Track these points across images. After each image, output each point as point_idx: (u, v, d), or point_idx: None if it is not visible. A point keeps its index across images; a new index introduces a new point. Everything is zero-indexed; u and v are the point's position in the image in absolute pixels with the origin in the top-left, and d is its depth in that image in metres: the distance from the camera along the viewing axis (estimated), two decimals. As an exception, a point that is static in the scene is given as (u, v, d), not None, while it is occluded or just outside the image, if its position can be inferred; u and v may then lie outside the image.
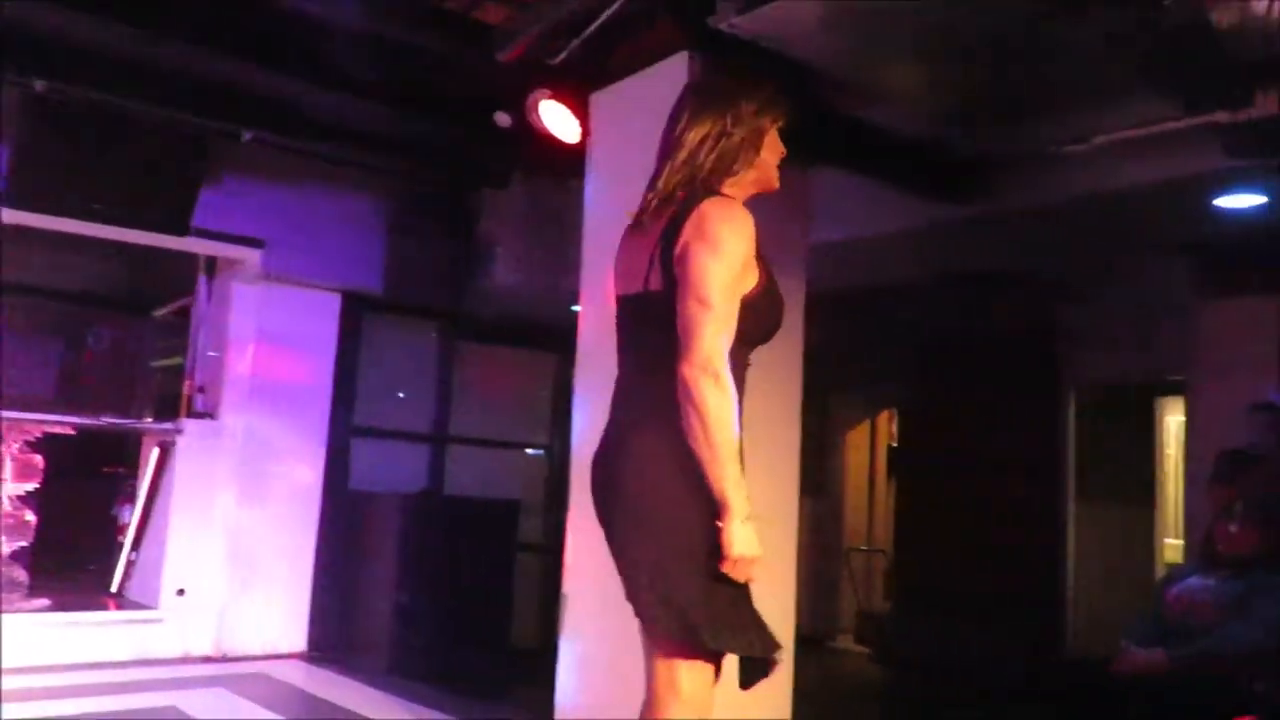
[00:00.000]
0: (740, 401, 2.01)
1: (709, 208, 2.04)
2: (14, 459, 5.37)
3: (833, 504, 8.32)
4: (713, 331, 1.92)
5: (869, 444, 8.79)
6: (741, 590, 1.95)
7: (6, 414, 5.42)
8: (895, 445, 8.45)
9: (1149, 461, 7.09)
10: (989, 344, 7.05)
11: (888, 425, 8.78)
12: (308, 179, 6.00)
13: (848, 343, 7.59)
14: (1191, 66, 2.93)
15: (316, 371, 6.15)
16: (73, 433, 5.71)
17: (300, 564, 5.96)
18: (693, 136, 2.17)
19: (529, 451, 7.35)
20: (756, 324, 2.07)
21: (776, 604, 3.52)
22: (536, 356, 7.31)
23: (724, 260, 1.97)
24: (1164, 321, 5.92)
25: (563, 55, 3.97)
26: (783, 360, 3.73)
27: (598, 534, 2.11)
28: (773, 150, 2.25)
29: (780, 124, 2.26)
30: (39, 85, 4.58)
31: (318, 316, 6.17)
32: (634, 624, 2.04)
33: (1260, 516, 3.43)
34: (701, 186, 2.12)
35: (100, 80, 4.68)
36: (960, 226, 4.41)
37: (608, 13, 3.72)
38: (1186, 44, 2.76)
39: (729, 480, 1.87)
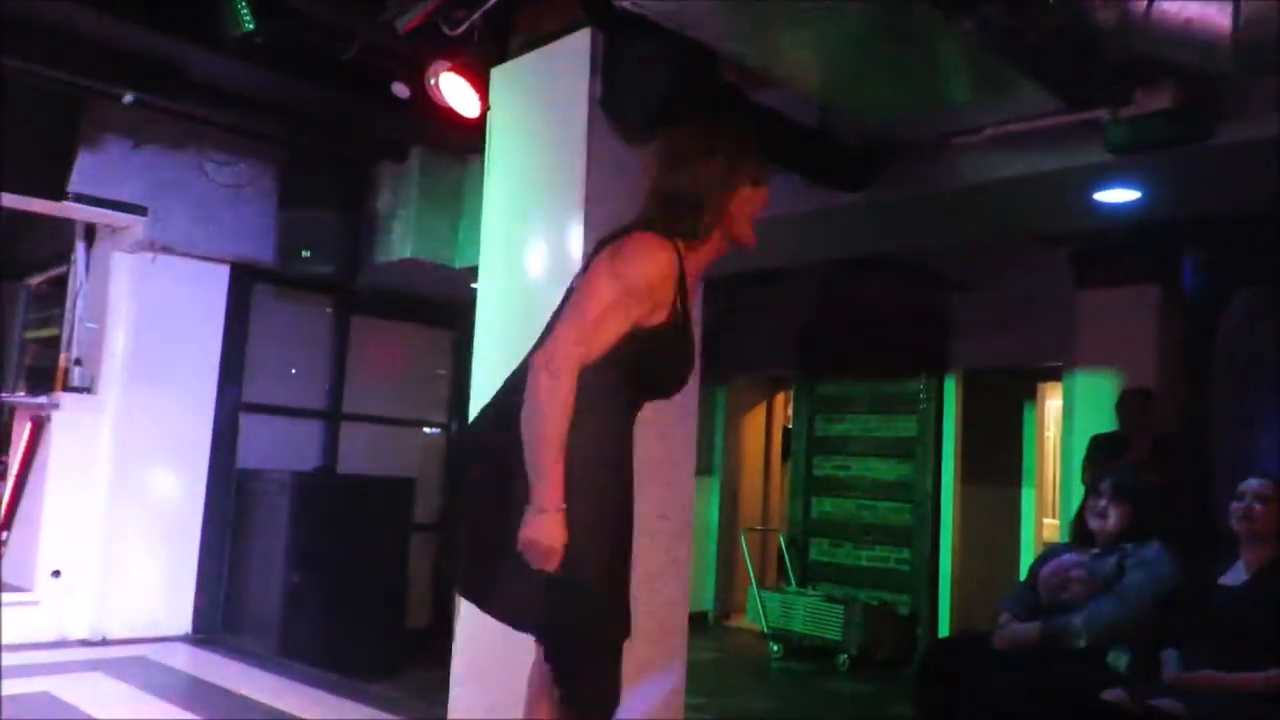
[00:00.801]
0: (629, 446, 2.17)
1: (633, 236, 2.11)
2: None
3: (729, 485, 8.44)
4: (570, 335, 2.00)
5: (764, 426, 8.93)
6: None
7: None
8: (789, 427, 8.60)
9: (1030, 444, 7.39)
10: (878, 328, 7.24)
11: (783, 408, 8.94)
12: (196, 145, 5.78)
13: (744, 326, 7.70)
14: (1075, 63, 3.04)
15: (203, 345, 5.93)
16: None
17: (184, 544, 5.76)
18: (656, 187, 2.21)
19: (426, 430, 7.25)
20: (646, 359, 2.08)
21: (673, 569, 3.58)
22: (433, 333, 7.21)
23: (618, 280, 2.02)
24: (1044, 309, 6.17)
25: (463, 27, 3.90)
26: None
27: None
28: (744, 206, 2.23)
29: (759, 183, 2.25)
30: (-100, 36, 4.31)
31: (205, 288, 5.95)
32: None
33: (1127, 496, 3.60)
34: (641, 224, 2.17)
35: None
36: (852, 212, 4.49)
37: (510, -14, 3.68)
38: (1070, 41, 2.86)
39: (536, 471, 1.93)
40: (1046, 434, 7.60)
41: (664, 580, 3.51)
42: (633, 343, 2.03)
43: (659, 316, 2.05)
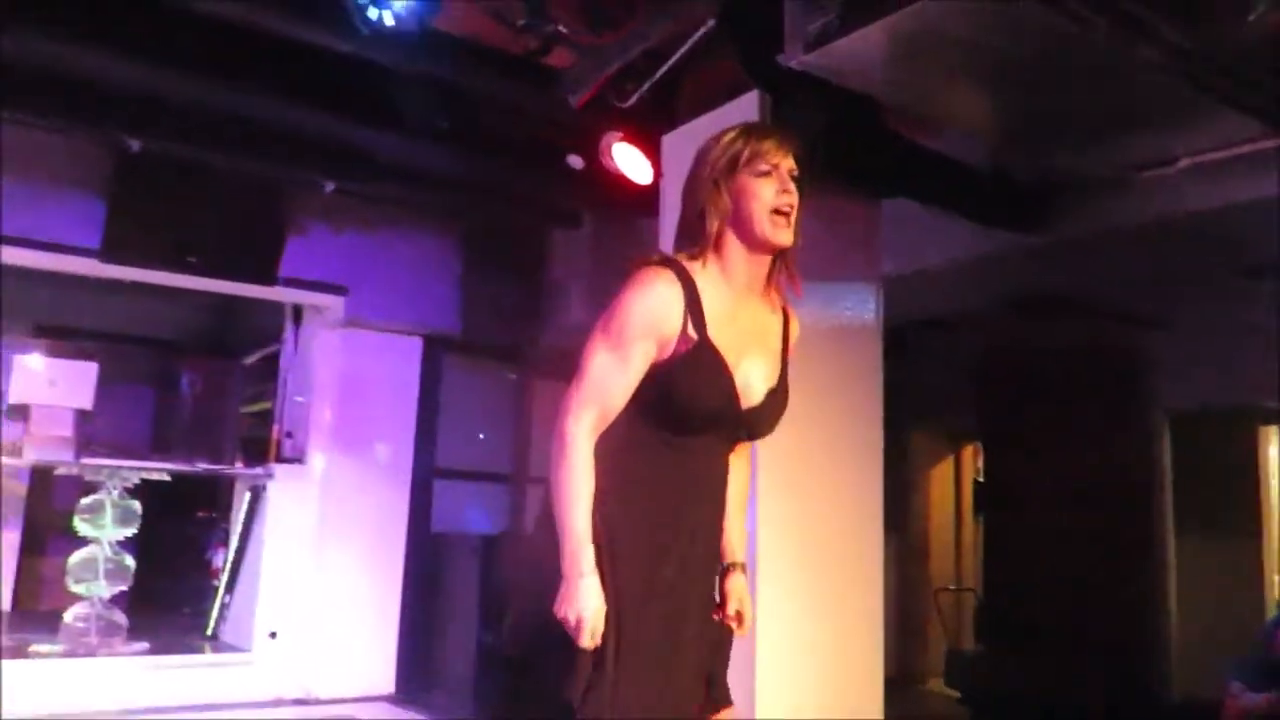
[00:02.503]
0: (663, 486, 1.95)
1: (630, 277, 1.95)
2: (113, 505, 5.55)
3: (918, 542, 8.15)
4: (576, 400, 1.91)
5: (953, 479, 8.60)
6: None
7: (105, 461, 5.62)
8: (981, 480, 8.25)
9: (1252, 492, 6.81)
10: (1071, 372, 6.88)
11: (972, 460, 8.59)
12: (387, 225, 6.16)
13: (927, 376, 7.48)
14: (1275, 83, 2.85)
15: (399, 414, 6.26)
16: (168, 478, 5.89)
17: (386, 606, 6.03)
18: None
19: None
20: (671, 395, 1.91)
21: (864, 644, 3.47)
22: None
23: (611, 331, 1.90)
24: (1258, 345, 5.71)
25: (633, 99, 4.03)
26: (862, 396, 3.71)
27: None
28: (750, 201, 1.97)
29: (765, 174, 1.97)
30: (133, 144, 4.81)
31: (400, 360, 6.30)
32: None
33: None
34: (639, 260, 1.99)
35: (189, 136, 4.88)
36: (1030, 252, 4.33)
37: (676, 55, 3.78)
38: (1266, 60, 2.69)
39: (562, 539, 1.84)
40: (1270, 481, 6.98)
41: (855, 641, 3.41)
42: (652, 382, 1.91)
43: (671, 347, 1.91)
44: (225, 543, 6.25)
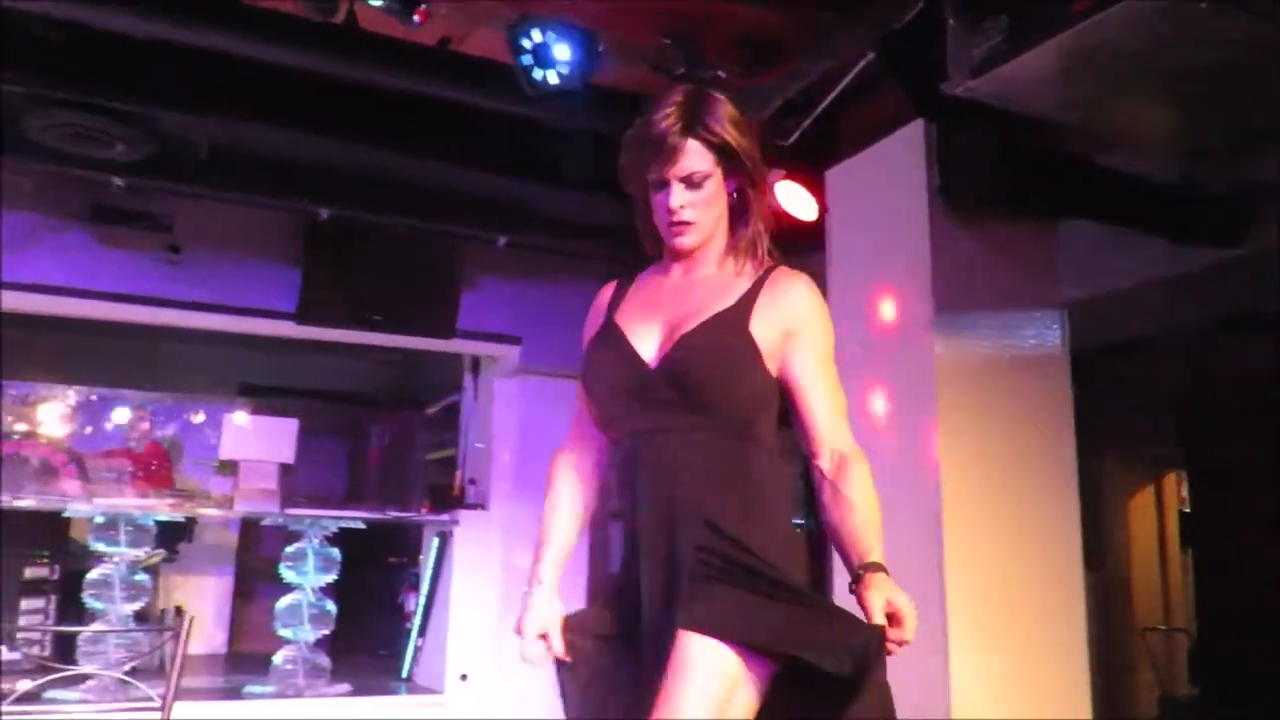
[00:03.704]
0: (621, 480, 1.93)
1: None
2: (315, 553, 5.87)
3: (1118, 578, 7.66)
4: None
5: (1155, 511, 8.06)
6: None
7: (306, 511, 5.97)
8: (1187, 511, 7.70)
9: None
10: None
11: (1175, 489, 8.03)
12: (557, 274, 6.33)
13: (1121, 402, 7.06)
14: None
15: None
16: (362, 526, 6.20)
17: (568, 647, 6.10)
18: None
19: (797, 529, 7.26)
20: (582, 380, 2.02)
21: (1068, 688, 3.28)
22: (783, 433, 7.25)
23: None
24: None
25: (794, 136, 4.02)
26: (1052, 426, 3.54)
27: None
28: (657, 211, 1.89)
29: (654, 179, 1.86)
30: (322, 213, 5.14)
31: (573, 404, 6.39)
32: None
33: None
34: None
35: (372, 203, 5.20)
36: (1235, 267, 4.04)
37: (836, 90, 3.75)
38: None
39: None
40: None
41: (1057, 683, 3.23)
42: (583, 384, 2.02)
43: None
44: (416, 587, 6.50)
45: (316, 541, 5.90)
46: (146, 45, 3.76)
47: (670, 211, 1.85)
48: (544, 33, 3.80)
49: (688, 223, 1.86)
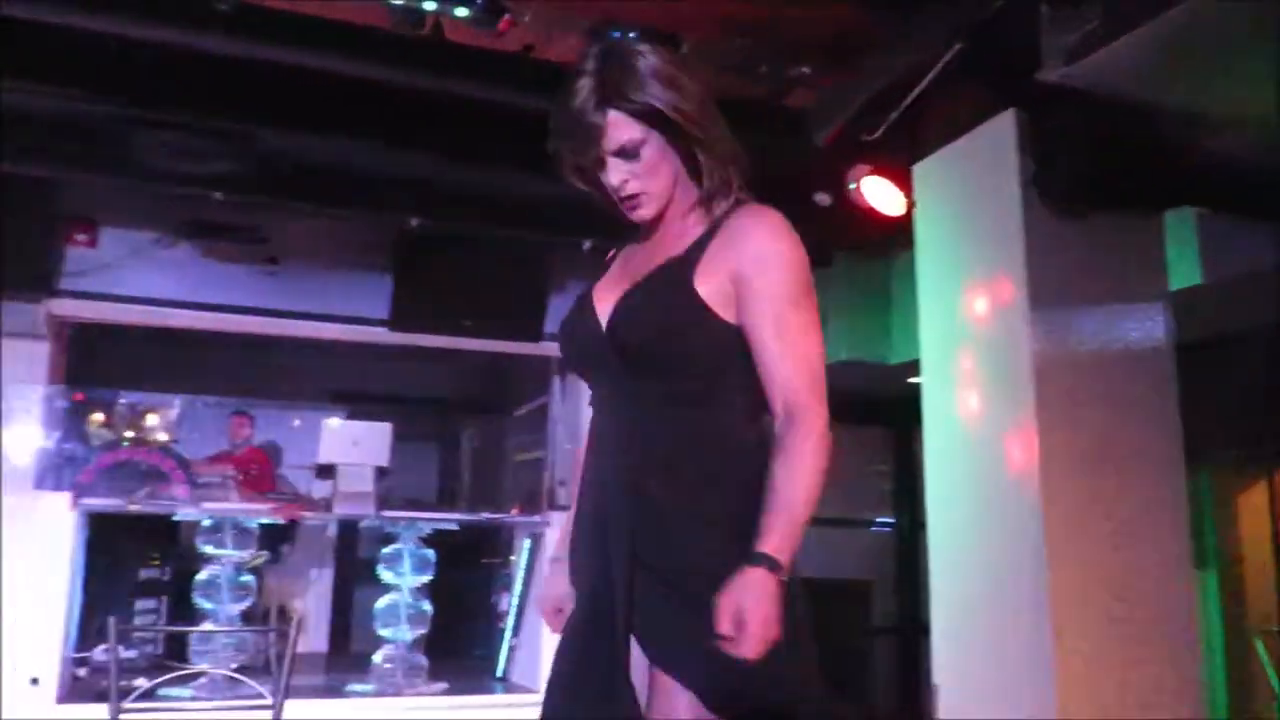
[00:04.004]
0: (590, 447, 1.80)
1: None
2: (411, 555, 6.00)
3: (1230, 579, 7.36)
4: None
5: (1269, 509, 7.72)
6: None
7: (401, 514, 6.10)
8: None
9: None
10: None
11: (1289, 483, 7.68)
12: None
13: (1231, 394, 6.78)
14: None
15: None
16: (455, 528, 6.30)
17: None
18: None
19: (874, 529, 7.17)
20: None
21: (1181, 690, 3.16)
22: (870, 431, 7.16)
23: None
24: None
25: (880, 131, 3.96)
26: (1157, 422, 3.42)
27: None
28: (606, 189, 1.80)
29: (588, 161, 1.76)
30: (412, 222, 5.24)
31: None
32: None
33: None
34: None
35: (460, 212, 5.28)
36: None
37: (924, 82, 3.68)
38: None
39: None
40: None
41: (1171, 689, 3.12)
42: None
43: None
44: (509, 587, 6.59)
45: (412, 543, 6.02)
46: (242, 64, 3.88)
47: (615, 190, 1.74)
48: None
49: (636, 195, 1.73)
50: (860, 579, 6.39)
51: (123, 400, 6.21)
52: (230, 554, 5.61)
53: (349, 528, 7.51)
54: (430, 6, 3.24)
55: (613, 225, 5.72)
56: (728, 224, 1.68)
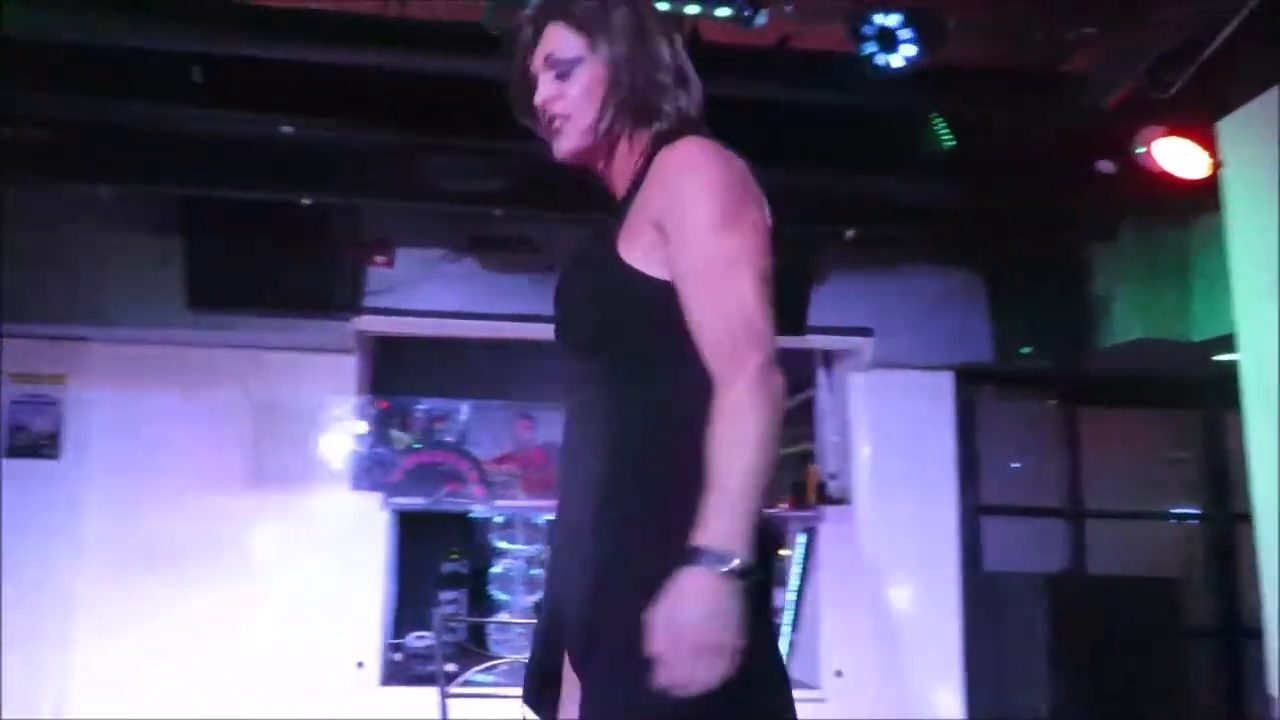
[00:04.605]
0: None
1: None
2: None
3: None
4: None
5: None
6: None
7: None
8: None
9: None
10: None
11: None
12: (908, 263, 6.15)
13: None
14: None
15: (937, 451, 6.18)
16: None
17: (946, 647, 5.93)
18: None
19: (1177, 522, 6.59)
20: None
21: None
22: (1172, 415, 6.59)
23: None
24: None
25: (1175, 88, 3.63)
26: None
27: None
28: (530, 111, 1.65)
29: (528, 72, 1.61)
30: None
31: (932, 396, 6.23)
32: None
33: None
34: None
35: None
36: None
37: (1226, 30, 3.33)
38: None
39: None
40: None
41: None
42: None
43: None
44: (785, 583, 6.58)
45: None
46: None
47: (540, 113, 1.58)
48: (886, 16, 3.71)
49: (558, 117, 1.56)
50: (1163, 577, 5.88)
51: (421, 408, 6.74)
52: (521, 548, 5.96)
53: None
54: (693, 10, 3.28)
55: (877, 215, 5.60)
56: (650, 168, 1.50)
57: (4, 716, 4.94)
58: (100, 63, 3.99)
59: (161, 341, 5.31)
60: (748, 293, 1.40)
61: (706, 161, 1.43)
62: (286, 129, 4.03)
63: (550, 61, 1.55)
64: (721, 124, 4.60)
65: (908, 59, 3.72)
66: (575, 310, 1.50)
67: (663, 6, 3.25)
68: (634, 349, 1.43)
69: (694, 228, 1.39)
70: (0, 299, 4.83)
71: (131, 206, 5.13)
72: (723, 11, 3.31)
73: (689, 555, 1.24)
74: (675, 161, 1.44)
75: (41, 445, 5.41)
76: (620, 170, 1.59)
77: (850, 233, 5.56)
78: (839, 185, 5.29)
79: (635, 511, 1.37)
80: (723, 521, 1.26)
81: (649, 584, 1.25)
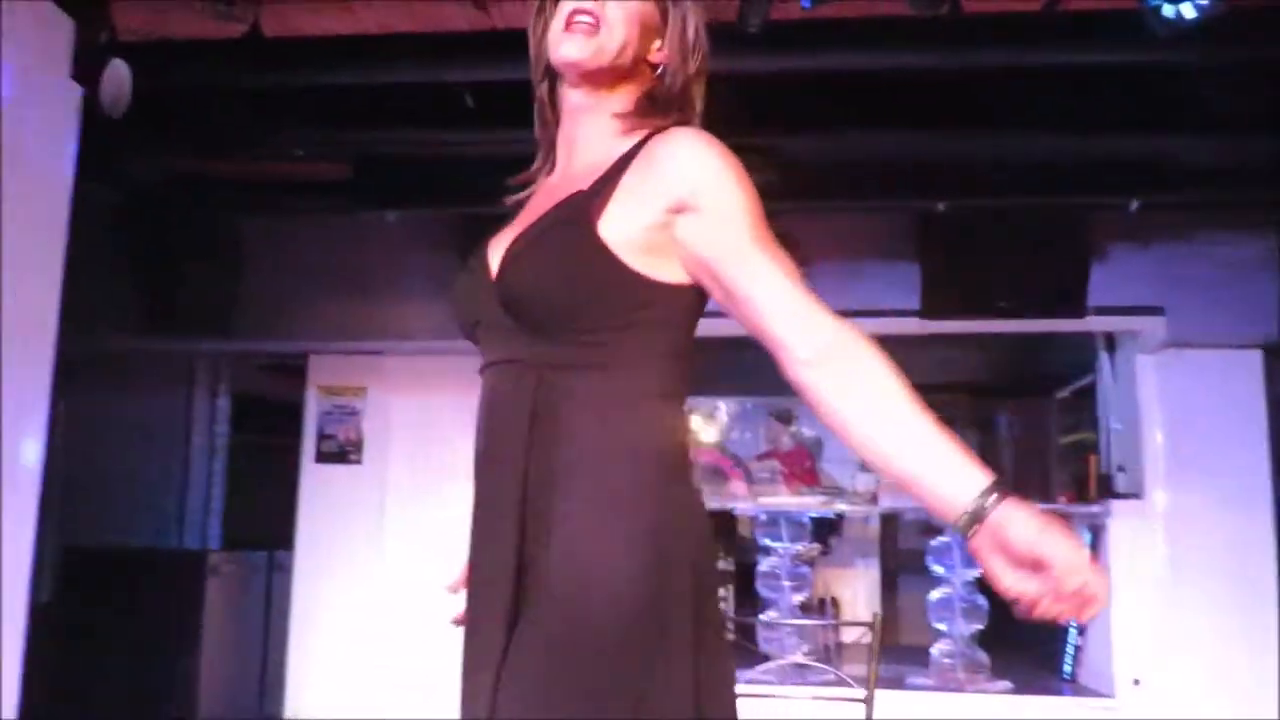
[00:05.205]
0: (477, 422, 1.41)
1: None
2: (959, 546, 5.85)
3: None
4: None
5: None
6: None
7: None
8: None
9: None
10: None
11: None
12: (1203, 232, 5.61)
13: None
14: None
15: (1244, 437, 5.58)
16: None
17: (1263, 654, 5.34)
18: None
19: None
20: None
21: None
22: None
23: None
24: None
25: None
26: None
27: None
28: (558, 14, 1.45)
29: None
30: (940, 206, 5.13)
31: (1237, 378, 5.63)
32: None
33: None
34: None
35: (987, 188, 5.06)
36: None
37: None
38: None
39: None
40: None
41: None
42: None
43: None
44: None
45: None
46: (761, 79, 4.06)
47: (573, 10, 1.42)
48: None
49: (589, 20, 1.41)
50: None
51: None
52: (786, 546, 5.91)
53: (890, 519, 7.54)
54: (956, -20, 3.13)
55: (1166, 181, 5.18)
56: (649, 148, 1.38)
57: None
58: (380, 98, 4.33)
59: (449, 352, 5.66)
60: (795, 268, 1.36)
61: (724, 159, 1.37)
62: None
63: None
64: (988, 94, 4.42)
65: (1200, 7, 3.37)
66: (533, 285, 1.34)
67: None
68: (598, 339, 1.33)
69: (742, 221, 1.34)
70: (314, 321, 5.33)
71: (416, 228, 5.54)
72: (991, -22, 3.12)
73: (1010, 495, 1.20)
74: (694, 153, 1.37)
75: (347, 451, 5.94)
76: (589, 137, 1.48)
77: (1135, 203, 5.12)
78: (1120, 151, 4.91)
79: (579, 514, 1.28)
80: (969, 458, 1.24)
81: (618, 595, 1.22)
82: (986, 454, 8.33)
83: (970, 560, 5.85)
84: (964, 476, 1.21)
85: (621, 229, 1.33)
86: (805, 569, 6.03)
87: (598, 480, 1.28)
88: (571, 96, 1.46)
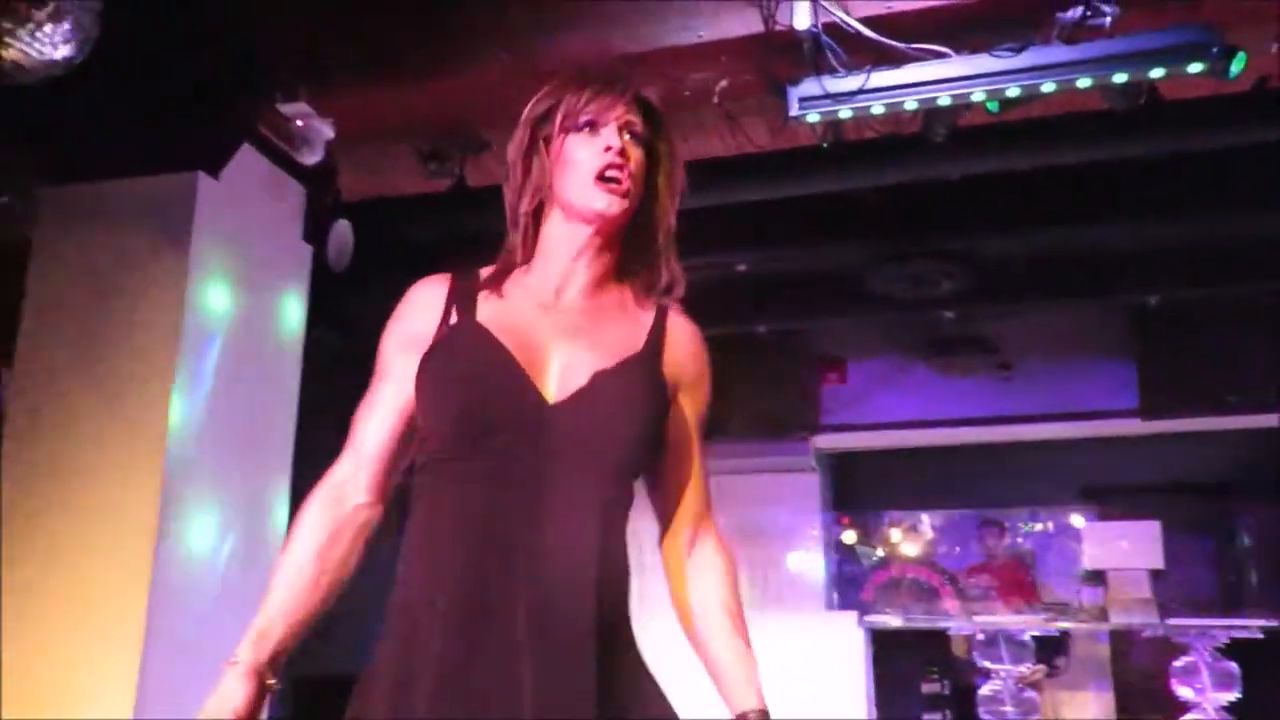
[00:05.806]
0: (478, 527, 1.31)
1: None
2: (1207, 667, 5.32)
3: None
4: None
5: None
6: None
7: (1188, 621, 5.46)
8: None
9: None
10: None
11: None
12: None
13: None
14: None
15: None
16: (1259, 635, 5.45)
17: None
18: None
19: None
20: (422, 390, 1.37)
21: None
22: None
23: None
24: None
25: None
26: None
27: None
28: (576, 162, 1.42)
29: (585, 119, 1.43)
30: (1152, 300, 4.86)
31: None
32: None
33: None
34: None
35: (1201, 277, 4.76)
36: None
37: None
38: None
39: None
40: None
41: None
42: (419, 395, 1.38)
43: (430, 342, 1.41)
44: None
45: (1208, 654, 5.35)
46: (953, 185, 4.02)
47: (605, 152, 1.41)
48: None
49: (619, 179, 1.41)
50: None
51: (883, 520, 6.64)
52: (1007, 667, 5.53)
53: (1120, 637, 6.95)
54: (1157, 74, 3.01)
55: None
56: (672, 323, 1.49)
57: None
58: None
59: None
60: None
61: None
62: (740, 266, 4.27)
63: (625, 122, 1.47)
64: (1190, 181, 4.21)
65: None
66: (626, 422, 1.37)
67: (1120, 78, 3.01)
68: (635, 473, 1.41)
69: (706, 404, 1.52)
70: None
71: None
72: (1195, 67, 2.99)
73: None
74: (700, 340, 1.52)
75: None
76: (595, 266, 1.49)
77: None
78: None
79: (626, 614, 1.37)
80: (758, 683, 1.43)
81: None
82: (1225, 561, 7.67)
83: (1222, 683, 5.32)
84: (745, 692, 1.41)
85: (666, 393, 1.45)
86: (1031, 693, 5.61)
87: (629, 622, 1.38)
88: (578, 232, 1.47)
